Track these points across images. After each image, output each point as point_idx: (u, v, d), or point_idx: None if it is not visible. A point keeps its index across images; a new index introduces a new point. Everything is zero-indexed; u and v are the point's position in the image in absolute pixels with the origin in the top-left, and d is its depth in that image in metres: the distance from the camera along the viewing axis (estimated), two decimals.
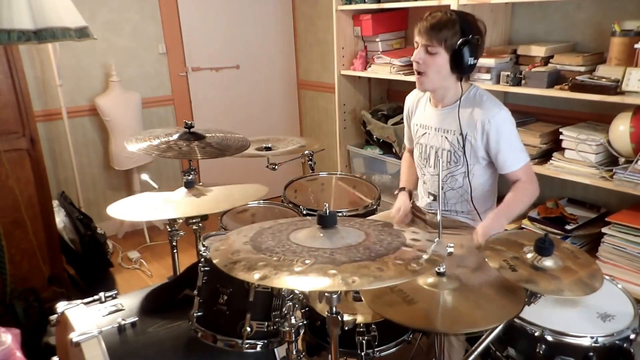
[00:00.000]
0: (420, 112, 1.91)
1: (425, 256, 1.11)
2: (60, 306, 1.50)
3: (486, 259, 1.31)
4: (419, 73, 1.74)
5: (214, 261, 1.13)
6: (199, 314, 1.38)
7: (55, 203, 2.68)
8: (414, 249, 1.14)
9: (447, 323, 1.22)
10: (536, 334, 1.37)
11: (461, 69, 1.68)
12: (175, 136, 1.96)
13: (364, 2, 2.96)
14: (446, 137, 1.79)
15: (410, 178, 2.07)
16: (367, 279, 0.99)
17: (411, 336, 1.61)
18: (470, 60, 1.67)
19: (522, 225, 2.34)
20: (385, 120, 3.09)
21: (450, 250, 1.29)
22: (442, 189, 1.84)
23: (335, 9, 3.09)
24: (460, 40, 1.64)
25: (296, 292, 1.34)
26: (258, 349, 1.36)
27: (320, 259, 1.07)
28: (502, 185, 2.74)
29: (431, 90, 1.80)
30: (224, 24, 3.79)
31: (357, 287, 0.99)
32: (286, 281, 1.00)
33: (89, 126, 3.43)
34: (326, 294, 1.13)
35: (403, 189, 2.00)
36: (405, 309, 1.25)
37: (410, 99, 1.99)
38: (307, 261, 1.06)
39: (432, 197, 1.90)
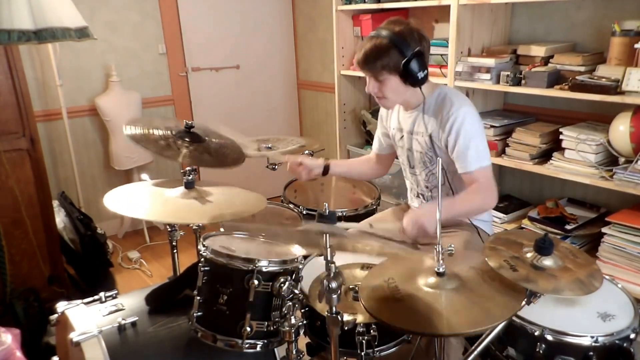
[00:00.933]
0: (395, 116, 1.93)
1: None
2: (60, 306, 1.51)
3: (486, 259, 1.31)
4: (379, 97, 1.76)
5: None
6: (199, 314, 1.38)
7: (55, 203, 2.68)
8: None
9: (447, 325, 1.22)
10: (536, 333, 1.36)
11: (415, 82, 1.66)
12: (174, 132, 1.92)
13: (364, 2, 2.96)
14: (417, 139, 1.82)
15: (343, 163, 2.18)
16: None
17: (411, 336, 1.60)
18: (421, 73, 1.64)
19: (522, 225, 2.34)
20: None
21: (451, 250, 1.29)
22: (428, 187, 1.87)
23: (335, 9, 3.09)
24: (403, 60, 1.61)
25: (296, 292, 1.34)
26: (258, 348, 1.37)
27: None
28: (507, 186, 2.73)
29: (395, 105, 1.85)
30: (224, 24, 3.79)
31: None
32: None
33: (89, 126, 3.43)
34: (326, 294, 1.13)
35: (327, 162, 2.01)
36: (404, 309, 1.24)
37: None
38: None
39: (420, 197, 1.92)
